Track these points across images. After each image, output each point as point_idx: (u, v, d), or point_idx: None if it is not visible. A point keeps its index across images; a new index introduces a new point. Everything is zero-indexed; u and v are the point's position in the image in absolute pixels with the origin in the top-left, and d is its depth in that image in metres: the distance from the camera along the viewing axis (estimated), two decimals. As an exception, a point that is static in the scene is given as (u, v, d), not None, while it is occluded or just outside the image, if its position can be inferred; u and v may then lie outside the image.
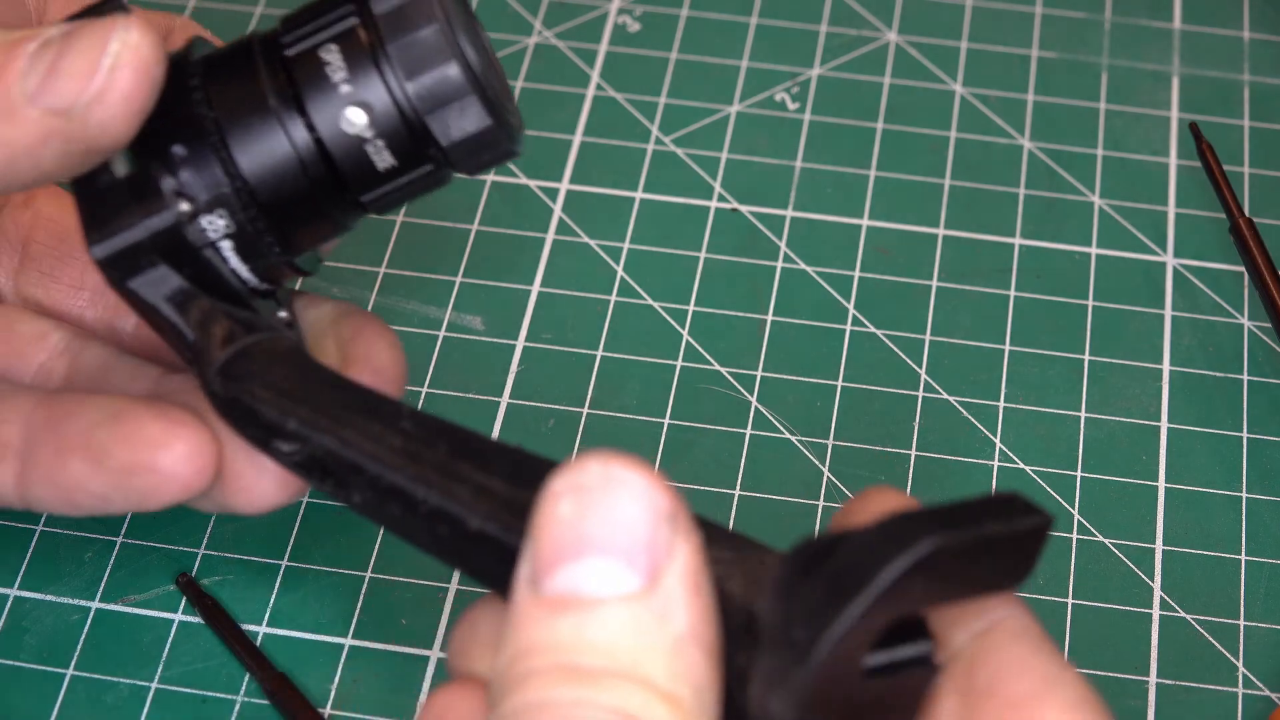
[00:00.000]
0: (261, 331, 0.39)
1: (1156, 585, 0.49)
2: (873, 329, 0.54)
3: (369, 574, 0.49)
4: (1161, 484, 0.51)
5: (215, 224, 0.39)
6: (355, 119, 0.39)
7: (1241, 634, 0.48)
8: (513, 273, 0.55)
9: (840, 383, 0.53)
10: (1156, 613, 0.49)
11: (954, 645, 0.34)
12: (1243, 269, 0.55)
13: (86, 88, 0.37)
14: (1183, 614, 0.49)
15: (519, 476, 0.36)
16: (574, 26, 0.62)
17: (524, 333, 0.54)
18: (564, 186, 0.57)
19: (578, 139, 0.59)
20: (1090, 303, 0.55)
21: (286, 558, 0.49)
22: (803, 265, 0.56)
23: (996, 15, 0.63)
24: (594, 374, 0.53)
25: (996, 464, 0.51)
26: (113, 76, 0.37)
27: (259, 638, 0.48)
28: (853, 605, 0.31)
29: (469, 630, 0.37)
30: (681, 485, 0.51)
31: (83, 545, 0.49)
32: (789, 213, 0.57)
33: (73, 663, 0.47)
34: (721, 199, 0.57)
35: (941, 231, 0.57)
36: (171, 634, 0.48)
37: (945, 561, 0.31)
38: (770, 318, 0.55)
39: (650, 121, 0.59)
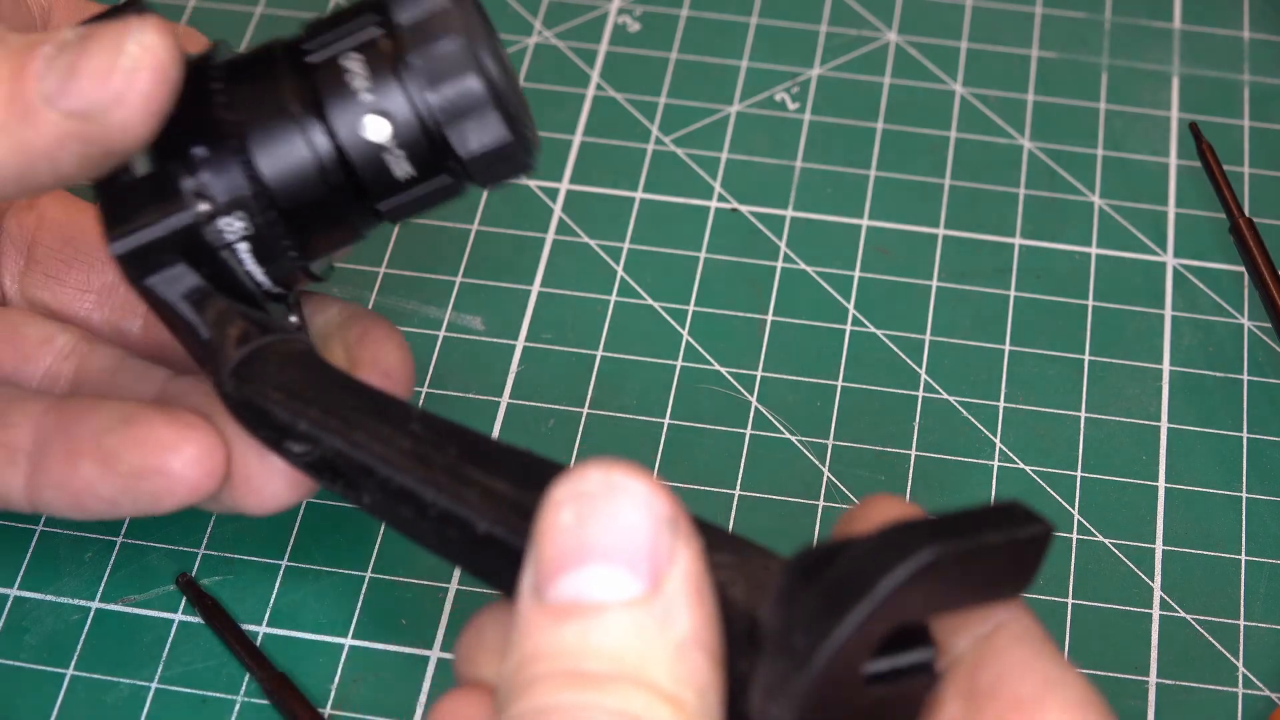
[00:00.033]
0: (275, 333, 0.40)
1: (1156, 585, 0.49)
2: (873, 329, 0.54)
3: (369, 574, 0.49)
4: (1161, 484, 0.51)
5: (233, 226, 0.39)
6: (376, 127, 0.39)
7: (1241, 634, 0.48)
8: (513, 273, 0.55)
9: (840, 383, 0.53)
10: (1156, 613, 0.49)
11: (957, 649, 0.34)
12: (1243, 269, 0.55)
13: (105, 89, 0.37)
14: (1183, 614, 0.49)
15: (527, 480, 0.36)
16: (574, 26, 0.62)
17: (524, 333, 0.54)
18: (564, 186, 0.57)
19: (578, 139, 0.59)
20: (1090, 303, 0.55)
21: (286, 558, 0.49)
22: (803, 265, 0.56)
23: (996, 15, 0.63)
24: (594, 374, 0.53)
25: (996, 464, 0.51)
26: (131, 78, 0.37)
27: (259, 638, 0.48)
28: (852, 614, 0.31)
29: (475, 636, 0.37)
30: (681, 485, 0.51)
31: (83, 545, 0.49)
32: (789, 213, 0.57)
33: (73, 663, 0.47)
34: (721, 199, 0.57)
35: (941, 231, 0.57)
36: (171, 634, 0.48)
37: (945, 570, 0.31)
38: (770, 318, 0.55)
39: (650, 121, 0.59)
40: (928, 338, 0.54)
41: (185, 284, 0.40)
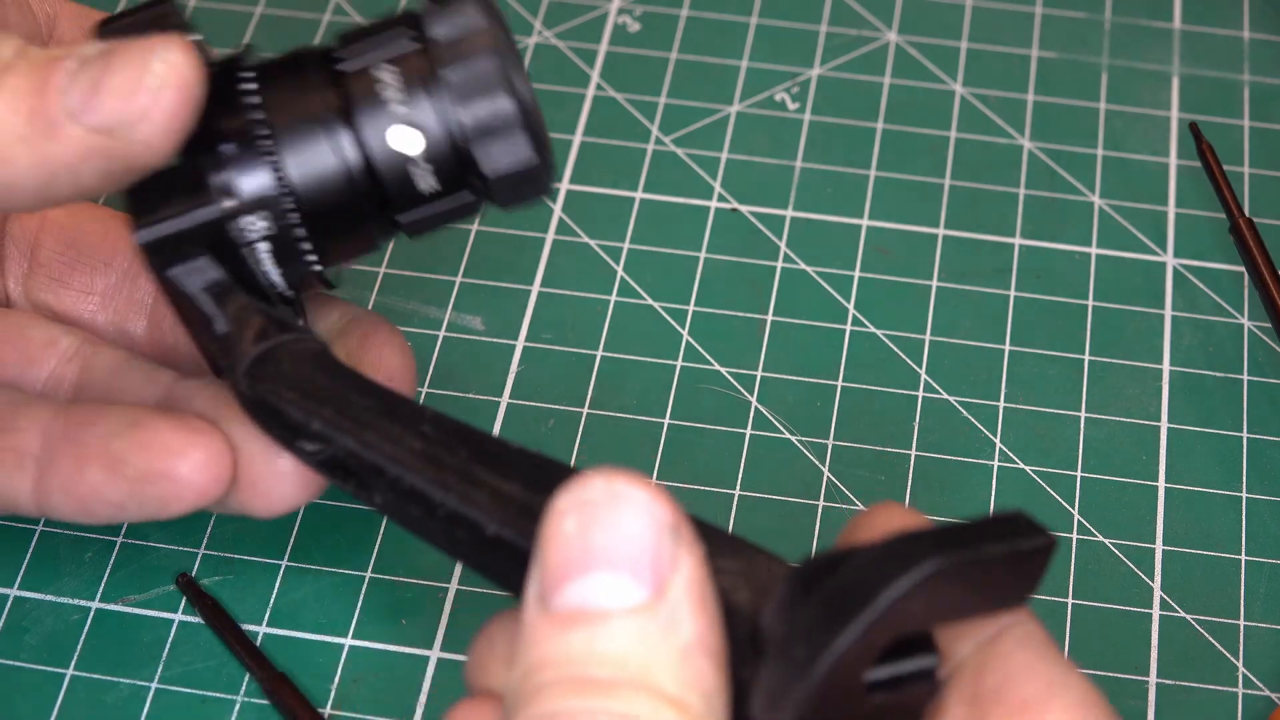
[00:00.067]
0: (293, 331, 0.40)
1: (1156, 585, 0.49)
2: (873, 329, 0.54)
3: (369, 574, 0.49)
4: (1161, 484, 0.51)
5: (256, 225, 0.40)
6: (406, 139, 0.40)
7: (1241, 634, 0.48)
8: (513, 273, 0.55)
9: (840, 383, 0.53)
10: (1156, 613, 0.49)
11: (961, 653, 0.34)
12: (1243, 269, 0.55)
13: (131, 106, 0.37)
14: (1183, 614, 0.49)
15: (537, 482, 0.36)
16: (574, 26, 0.62)
17: (524, 333, 0.54)
18: (564, 186, 0.57)
19: (578, 139, 0.59)
20: (1090, 303, 0.55)
21: (286, 558, 0.49)
22: (803, 265, 0.56)
23: (996, 15, 0.63)
24: (594, 374, 0.53)
25: (996, 464, 0.51)
26: (157, 95, 0.37)
27: (259, 638, 0.48)
28: (853, 625, 0.31)
29: (485, 645, 0.38)
30: (681, 485, 0.51)
31: (83, 545, 0.49)
32: (789, 213, 0.57)
33: (73, 663, 0.47)
34: (721, 199, 0.57)
35: (941, 231, 0.57)
36: (171, 634, 0.48)
37: (948, 581, 0.31)
38: (770, 318, 0.55)
39: (650, 121, 0.59)
40: (928, 338, 0.54)
41: (208, 277, 0.40)
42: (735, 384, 0.53)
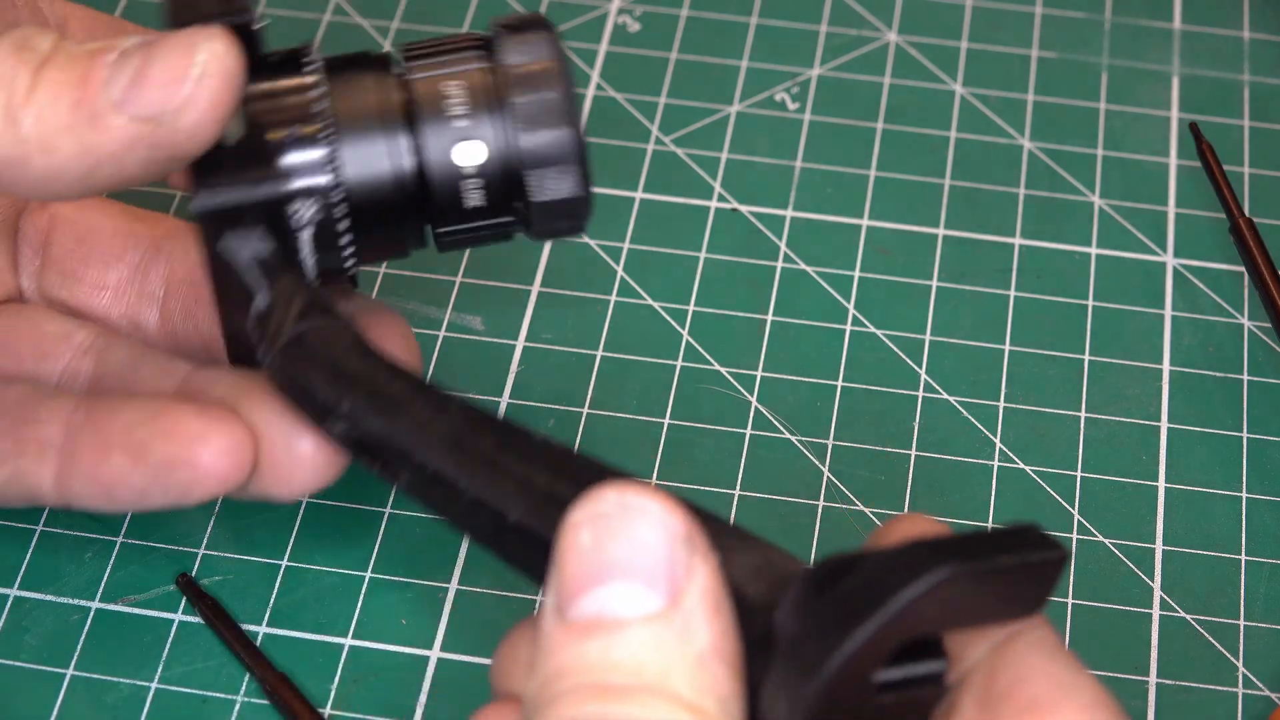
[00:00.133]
0: (332, 314, 0.41)
1: (1156, 585, 0.49)
2: (873, 329, 0.54)
3: (369, 574, 0.49)
4: (1161, 484, 0.51)
5: (304, 211, 0.41)
6: (467, 153, 0.41)
7: (1241, 634, 0.48)
8: (513, 273, 0.55)
9: (840, 383, 0.53)
10: (1156, 613, 0.49)
11: (975, 655, 0.35)
12: (1243, 269, 0.55)
13: (176, 95, 0.38)
14: (1183, 614, 0.49)
15: (562, 472, 0.37)
16: (574, 26, 0.62)
17: (524, 333, 0.54)
18: (564, 186, 0.57)
19: (578, 139, 0.59)
20: (1090, 303, 0.55)
21: (286, 558, 0.49)
22: (803, 265, 0.56)
23: (996, 15, 0.63)
24: (594, 374, 0.53)
25: (996, 464, 0.51)
26: (200, 84, 0.38)
27: (259, 638, 0.48)
28: (864, 626, 0.32)
29: (509, 652, 0.38)
30: (681, 485, 0.51)
31: (83, 545, 0.49)
32: (789, 213, 0.57)
33: (73, 663, 0.47)
34: (721, 199, 0.57)
35: (941, 231, 0.57)
36: (171, 634, 0.48)
37: (959, 588, 0.32)
38: (770, 318, 0.55)
39: (650, 121, 0.59)
40: (928, 338, 0.54)
41: (260, 249, 0.41)
42: (735, 384, 0.53)
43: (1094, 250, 0.56)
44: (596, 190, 0.57)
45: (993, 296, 0.55)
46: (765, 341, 0.54)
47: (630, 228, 0.56)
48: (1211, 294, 0.55)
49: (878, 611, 0.31)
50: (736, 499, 0.50)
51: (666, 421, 0.52)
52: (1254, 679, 0.48)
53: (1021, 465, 0.51)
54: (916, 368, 0.53)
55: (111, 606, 0.48)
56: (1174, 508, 0.51)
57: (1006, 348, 0.54)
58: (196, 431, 0.42)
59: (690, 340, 0.54)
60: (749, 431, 0.52)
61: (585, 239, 0.56)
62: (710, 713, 0.32)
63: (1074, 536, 0.50)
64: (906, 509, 0.50)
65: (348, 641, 0.48)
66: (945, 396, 0.53)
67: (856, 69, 0.61)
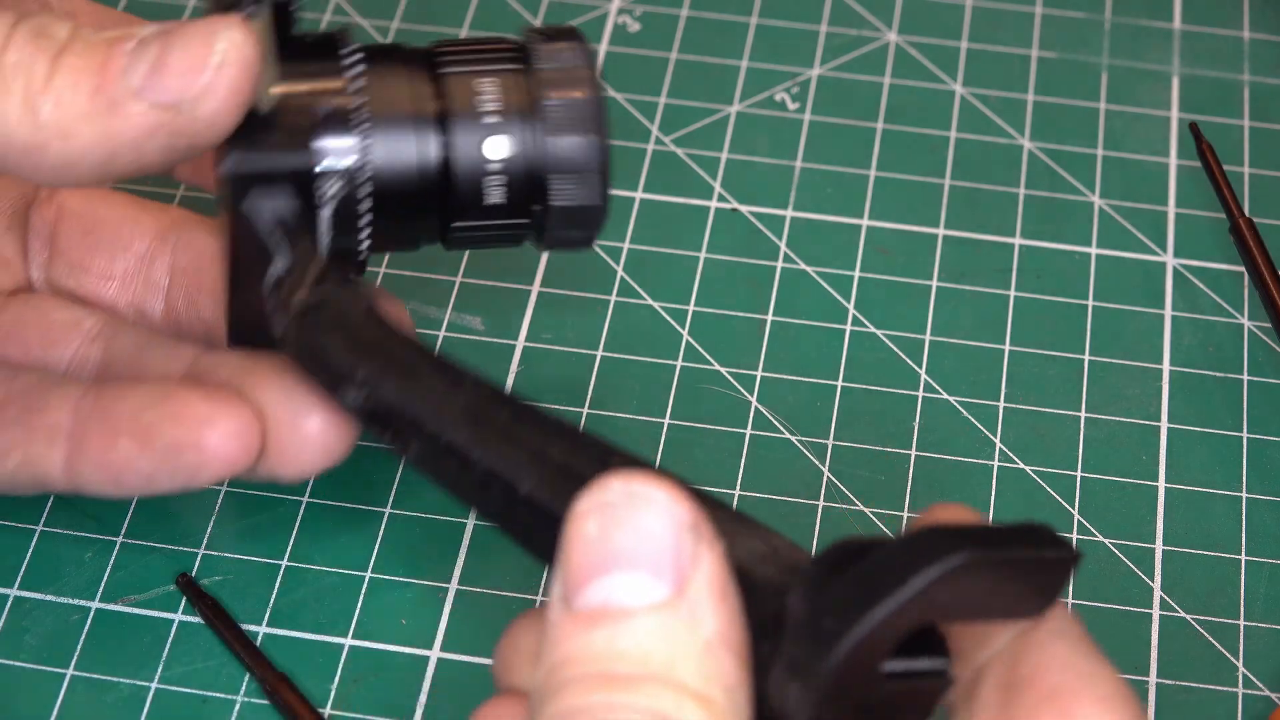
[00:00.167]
0: (348, 284, 0.41)
1: (1156, 585, 0.49)
2: (873, 329, 0.54)
3: (369, 574, 0.49)
4: (1161, 484, 0.51)
5: (332, 189, 0.41)
6: (495, 148, 0.42)
7: (1241, 634, 0.48)
8: (513, 273, 0.55)
9: (840, 383, 0.53)
10: (1156, 613, 0.49)
11: (996, 643, 0.35)
12: (1243, 269, 0.55)
13: (195, 83, 0.39)
14: (1183, 614, 0.49)
15: (573, 447, 0.37)
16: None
17: (524, 333, 0.54)
18: (564, 186, 0.57)
19: (578, 139, 0.59)
20: (1090, 303, 0.55)
21: (286, 558, 0.49)
22: (803, 265, 0.56)
23: (996, 15, 0.63)
24: (594, 374, 0.53)
25: (996, 464, 0.51)
26: (220, 73, 0.39)
27: (259, 638, 0.48)
28: (885, 603, 0.32)
29: (511, 644, 0.38)
30: (681, 485, 0.51)
31: (83, 545, 0.49)
32: (789, 213, 0.57)
33: (73, 663, 0.47)
34: (721, 199, 0.57)
35: (941, 231, 0.57)
36: (171, 634, 0.48)
37: (974, 577, 0.32)
38: (770, 318, 0.55)
39: (650, 121, 0.59)
40: (928, 338, 0.54)
41: (284, 211, 0.41)
42: (735, 384, 0.53)
43: (1094, 250, 0.56)
44: (596, 190, 0.57)
45: (993, 296, 0.55)
46: (765, 341, 0.54)
47: (630, 228, 0.56)
48: (1211, 294, 0.55)
49: (897, 591, 0.31)
50: (736, 499, 0.50)
51: (666, 421, 0.52)
52: (1254, 679, 0.48)
53: (1021, 465, 0.51)
54: (916, 368, 0.53)
55: (111, 606, 0.48)
56: (1174, 508, 0.51)
57: (1006, 348, 0.54)
58: (203, 415, 0.42)
59: (690, 340, 0.54)
60: (749, 431, 0.52)
61: (585, 239, 0.56)
62: (717, 701, 0.32)
63: (1074, 536, 0.50)
64: (906, 509, 0.50)
65: (348, 641, 0.48)
66: (945, 396, 0.53)
67: (856, 69, 0.61)
